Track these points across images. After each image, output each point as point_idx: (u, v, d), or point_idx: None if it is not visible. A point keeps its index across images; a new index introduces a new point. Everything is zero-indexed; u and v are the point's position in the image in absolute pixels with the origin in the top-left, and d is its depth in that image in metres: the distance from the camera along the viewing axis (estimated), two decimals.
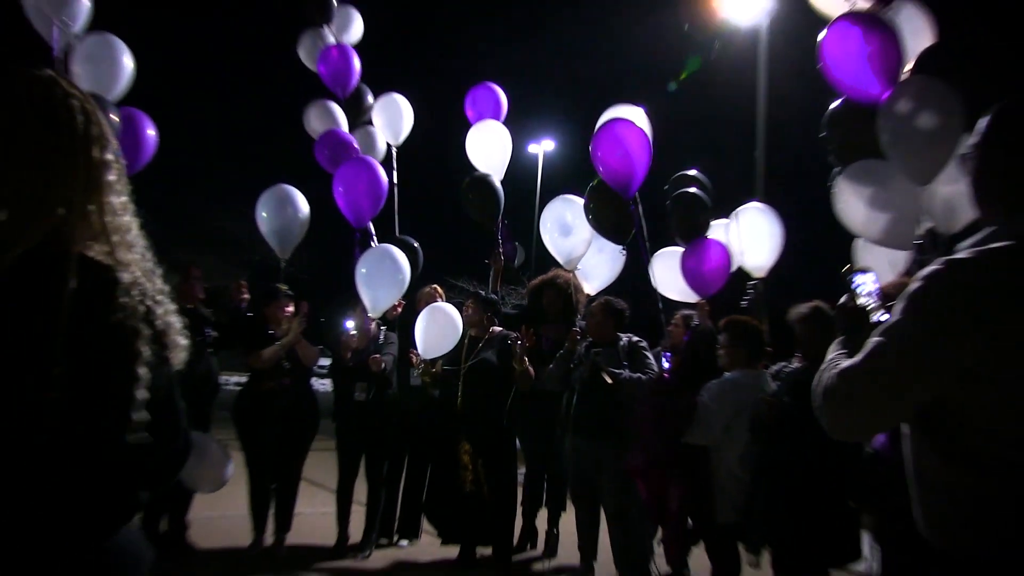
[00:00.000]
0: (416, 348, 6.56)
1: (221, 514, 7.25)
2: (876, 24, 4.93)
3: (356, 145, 7.78)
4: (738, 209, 6.76)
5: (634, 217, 6.53)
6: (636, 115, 6.76)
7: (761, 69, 13.20)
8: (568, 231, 6.74)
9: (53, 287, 1.58)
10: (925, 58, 4.95)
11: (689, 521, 5.54)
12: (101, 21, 5.82)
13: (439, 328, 6.56)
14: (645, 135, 6.37)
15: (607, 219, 6.69)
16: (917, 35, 5.14)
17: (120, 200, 1.79)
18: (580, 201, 6.81)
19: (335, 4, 8.31)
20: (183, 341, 1.82)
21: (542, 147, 28.78)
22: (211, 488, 5.65)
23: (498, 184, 7.89)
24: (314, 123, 8.05)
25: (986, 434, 1.86)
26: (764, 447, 5.13)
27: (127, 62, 5.72)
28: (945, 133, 4.57)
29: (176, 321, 1.80)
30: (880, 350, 1.93)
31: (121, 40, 5.75)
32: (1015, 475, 1.83)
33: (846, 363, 1.99)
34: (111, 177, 1.77)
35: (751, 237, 6.51)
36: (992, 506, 1.86)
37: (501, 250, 7.90)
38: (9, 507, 1.56)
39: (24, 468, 1.56)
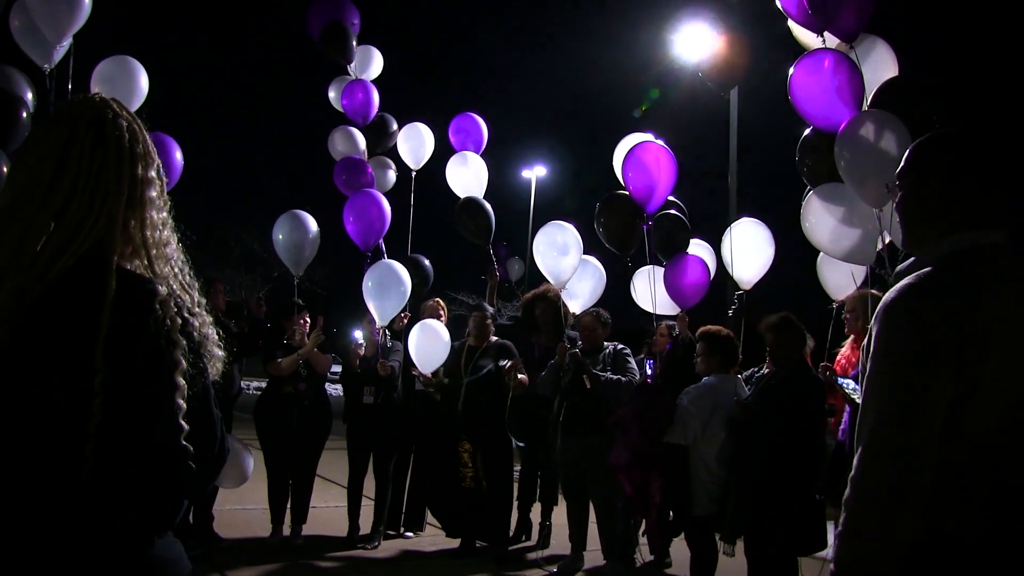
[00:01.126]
0: (415, 365, 6.71)
1: (243, 507, 7.40)
2: (841, 61, 5.02)
3: (370, 171, 7.93)
4: (734, 222, 6.86)
5: (646, 233, 6.63)
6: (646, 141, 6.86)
7: (734, 102, 13.26)
8: (561, 253, 6.79)
9: (94, 298, 1.56)
10: (882, 92, 5.06)
11: (669, 513, 5.65)
12: (137, 50, 5.92)
13: (429, 343, 6.75)
14: (673, 160, 6.50)
15: (615, 232, 6.73)
16: (880, 69, 5.22)
17: (160, 216, 1.76)
18: (570, 227, 6.87)
19: (354, 45, 8.46)
20: (220, 352, 1.78)
21: (535, 172, 29.04)
22: (234, 484, 5.79)
23: (487, 206, 8.03)
24: (338, 147, 8.22)
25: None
26: (738, 445, 5.27)
27: (143, 84, 5.81)
28: (894, 161, 4.69)
29: (212, 333, 1.76)
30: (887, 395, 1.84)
31: (139, 62, 5.83)
32: (955, 470, 1.82)
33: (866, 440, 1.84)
34: (152, 193, 1.75)
35: (744, 250, 6.59)
36: (937, 499, 1.83)
37: (497, 267, 8.06)
38: (52, 516, 1.53)
39: (67, 476, 1.52)
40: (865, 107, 5.04)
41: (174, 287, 1.71)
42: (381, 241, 7.61)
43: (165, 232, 1.77)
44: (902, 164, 2.09)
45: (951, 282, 1.85)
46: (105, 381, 1.52)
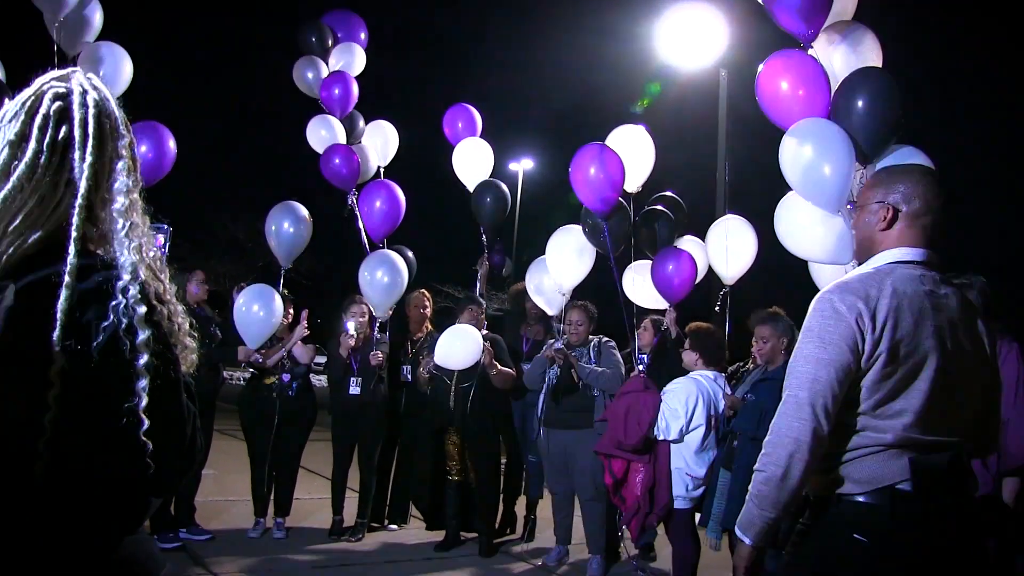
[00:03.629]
0: (433, 355, 6.40)
1: (225, 499, 7.25)
2: (805, 62, 4.86)
3: (357, 159, 7.78)
4: (720, 219, 6.77)
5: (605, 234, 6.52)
6: (638, 133, 6.78)
7: (722, 99, 13.21)
8: (572, 262, 6.64)
9: (51, 285, 1.44)
10: (844, 86, 4.91)
11: (650, 505, 5.57)
12: (122, 37, 5.76)
13: (462, 350, 6.37)
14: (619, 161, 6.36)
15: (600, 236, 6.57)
16: (864, 61, 4.98)
17: (129, 198, 1.62)
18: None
19: (331, 40, 8.30)
20: (191, 343, 1.66)
21: (521, 165, 28.87)
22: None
23: (505, 188, 7.99)
24: (315, 137, 8.05)
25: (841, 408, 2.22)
26: (723, 440, 5.21)
27: (127, 69, 5.65)
28: (838, 168, 4.56)
29: (184, 323, 1.64)
30: (796, 383, 2.27)
31: (124, 48, 5.66)
32: (850, 436, 2.23)
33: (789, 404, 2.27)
34: (120, 174, 1.62)
35: (727, 247, 6.50)
36: (832, 458, 2.25)
37: (488, 258, 7.94)
38: (9, 516, 1.42)
39: (18, 475, 1.41)
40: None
41: (142, 273, 1.56)
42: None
43: (134, 216, 1.62)
44: (862, 188, 2.53)
45: (870, 280, 2.27)
46: (62, 372, 1.40)
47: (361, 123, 8.33)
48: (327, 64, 8.32)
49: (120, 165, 1.62)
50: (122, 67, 5.60)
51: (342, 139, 7.90)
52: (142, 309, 1.50)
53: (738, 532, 2.36)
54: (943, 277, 2.37)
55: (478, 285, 7.90)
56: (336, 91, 7.97)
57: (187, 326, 1.65)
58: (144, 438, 1.47)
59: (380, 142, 8.35)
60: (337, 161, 7.63)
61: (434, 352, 6.27)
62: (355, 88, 8.13)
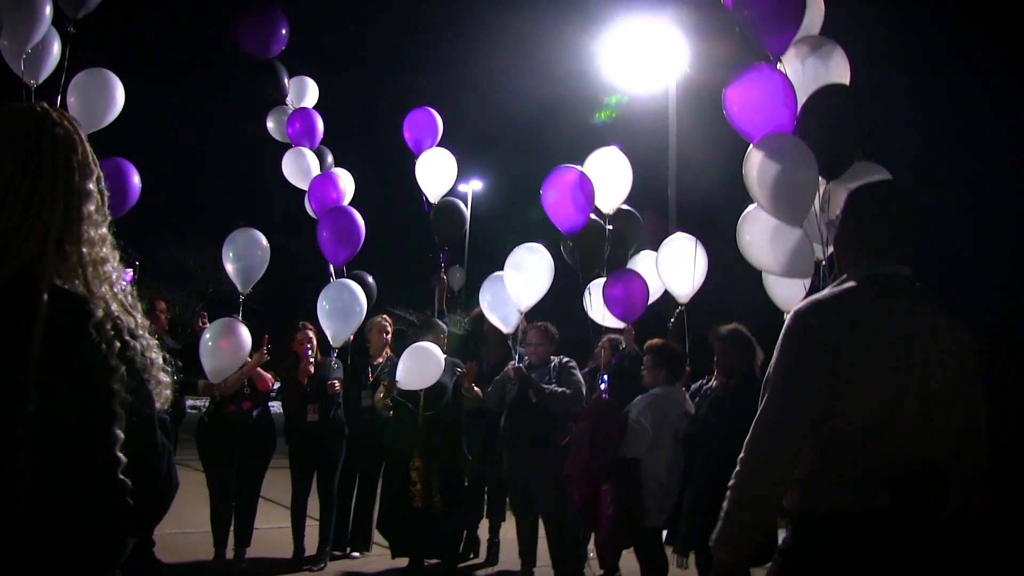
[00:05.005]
0: (396, 376, 6.37)
1: (183, 531, 7.07)
2: (773, 76, 4.86)
3: (343, 188, 7.73)
4: (667, 239, 6.84)
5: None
6: (612, 154, 6.83)
7: (672, 114, 13.38)
8: (529, 279, 6.65)
9: (25, 322, 1.41)
10: (811, 102, 4.94)
11: (620, 525, 5.57)
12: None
13: (425, 369, 6.40)
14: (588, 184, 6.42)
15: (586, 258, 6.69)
16: (831, 75, 5.01)
17: (99, 232, 1.61)
18: (544, 251, 6.66)
19: (286, 80, 8.26)
20: (166, 379, 1.63)
21: (471, 187, 29.01)
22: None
23: (462, 206, 8.01)
24: (290, 169, 8.00)
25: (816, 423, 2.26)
26: (688, 458, 5.23)
27: (119, 96, 5.62)
28: (802, 183, 4.62)
29: (158, 358, 1.61)
30: (768, 404, 2.34)
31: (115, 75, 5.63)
32: (827, 453, 2.25)
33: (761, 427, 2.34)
34: (90, 207, 1.60)
35: (679, 266, 6.54)
36: (810, 474, 2.27)
37: (444, 274, 7.93)
38: None
39: None
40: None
41: (114, 308, 1.54)
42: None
43: (103, 249, 1.61)
44: (843, 203, 2.57)
45: (844, 296, 2.33)
46: (38, 412, 1.37)
47: (329, 157, 8.30)
48: (286, 101, 8.29)
49: (88, 198, 1.60)
50: (114, 94, 5.58)
51: (316, 170, 7.88)
52: (115, 345, 1.48)
53: (714, 549, 2.37)
54: (921, 290, 2.40)
55: (435, 302, 7.87)
56: (300, 126, 7.95)
57: (160, 360, 1.62)
58: (122, 476, 1.45)
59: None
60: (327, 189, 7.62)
61: (396, 375, 6.24)
62: (319, 123, 8.11)
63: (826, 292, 2.43)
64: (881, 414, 2.22)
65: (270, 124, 8.27)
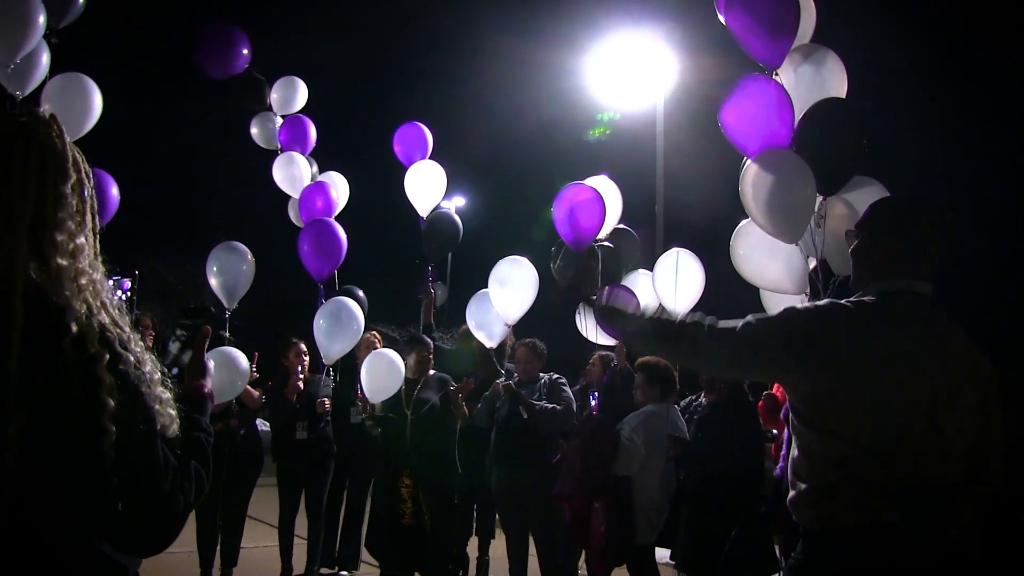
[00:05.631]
0: (363, 390, 6.38)
1: (168, 551, 6.92)
2: (769, 89, 4.85)
3: (334, 197, 7.68)
4: (666, 253, 6.84)
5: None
6: (602, 182, 6.88)
7: (659, 131, 13.41)
8: (514, 291, 6.62)
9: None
10: (810, 115, 4.85)
11: (612, 543, 5.52)
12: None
13: (383, 373, 6.40)
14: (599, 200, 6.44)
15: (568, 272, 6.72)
16: (828, 83, 5.01)
17: (76, 241, 1.52)
18: (528, 264, 6.69)
19: (267, 91, 8.21)
20: (167, 395, 1.55)
21: (453, 203, 29.01)
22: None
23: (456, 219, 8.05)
24: (281, 174, 7.94)
25: (825, 439, 2.27)
26: (681, 477, 5.20)
27: (97, 102, 5.54)
28: (799, 200, 4.62)
29: (155, 372, 1.53)
30: (740, 329, 2.38)
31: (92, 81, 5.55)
32: (838, 470, 2.25)
33: (713, 326, 2.41)
34: (62, 215, 1.51)
35: (673, 281, 6.53)
36: (821, 491, 2.27)
37: (431, 286, 7.89)
38: None
39: None
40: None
41: (104, 319, 1.48)
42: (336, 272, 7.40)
43: (83, 260, 1.52)
44: (861, 217, 2.58)
45: (858, 309, 2.33)
46: (19, 432, 1.31)
47: (315, 167, 8.25)
48: (272, 108, 8.24)
49: (63, 204, 1.52)
50: (92, 100, 5.49)
51: (307, 177, 7.82)
52: (105, 356, 1.41)
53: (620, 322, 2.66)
54: (936, 308, 2.39)
55: (422, 316, 7.82)
56: (292, 133, 7.94)
57: (158, 376, 1.54)
58: (114, 497, 1.40)
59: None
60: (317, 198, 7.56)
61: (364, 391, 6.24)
62: (312, 130, 8.09)
63: (841, 302, 2.40)
64: (891, 429, 2.23)
65: (254, 130, 8.21)
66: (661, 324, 2.52)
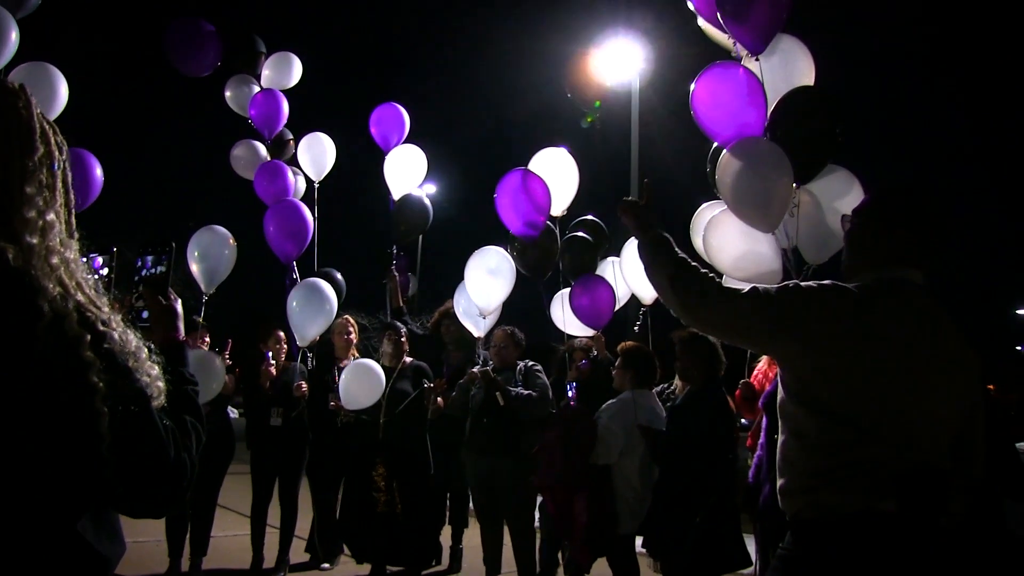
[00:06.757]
0: (339, 396, 6.26)
1: (135, 540, 6.84)
2: (743, 75, 4.77)
3: (291, 178, 7.56)
4: (629, 240, 6.77)
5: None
6: (560, 156, 6.65)
7: (634, 120, 13.39)
8: (493, 281, 6.53)
9: None
10: (783, 104, 4.83)
11: (595, 532, 5.49)
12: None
13: (366, 385, 6.28)
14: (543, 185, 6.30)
15: (529, 259, 6.50)
16: (795, 74, 4.97)
17: (46, 218, 1.44)
18: (503, 252, 6.55)
19: (263, 54, 8.09)
20: (156, 370, 1.49)
21: (424, 191, 28.88)
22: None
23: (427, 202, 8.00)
24: (240, 161, 7.80)
25: (818, 418, 2.25)
26: (659, 467, 5.17)
27: (63, 92, 5.40)
28: (775, 188, 4.56)
29: (141, 351, 1.47)
30: (749, 293, 2.36)
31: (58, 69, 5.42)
32: (831, 451, 2.23)
33: (723, 284, 2.45)
34: (32, 189, 1.43)
35: (640, 267, 6.43)
36: (815, 477, 2.24)
37: (395, 269, 7.80)
38: None
39: None
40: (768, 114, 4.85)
41: (80, 299, 1.40)
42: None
43: (53, 238, 1.44)
44: (861, 203, 2.60)
45: (853, 293, 2.30)
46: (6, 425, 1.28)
47: (288, 136, 8.13)
48: (259, 80, 8.10)
49: (28, 179, 1.44)
50: (58, 89, 5.35)
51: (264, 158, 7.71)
52: (86, 337, 1.35)
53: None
54: (929, 297, 2.38)
55: (389, 301, 7.74)
56: (265, 109, 7.79)
57: (145, 353, 1.48)
58: (117, 476, 1.38)
59: (316, 155, 8.10)
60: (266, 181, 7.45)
61: (340, 397, 6.15)
62: (285, 106, 7.93)
63: (843, 284, 2.38)
64: (886, 411, 2.21)
65: (228, 93, 8.05)
66: (683, 259, 2.50)
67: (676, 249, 2.57)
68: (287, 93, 8.09)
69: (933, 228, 2.44)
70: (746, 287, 2.39)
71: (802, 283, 2.42)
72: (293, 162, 8.14)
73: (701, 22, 5.35)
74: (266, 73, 8.13)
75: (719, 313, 2.41)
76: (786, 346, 2.35)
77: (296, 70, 8.22)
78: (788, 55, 4.92)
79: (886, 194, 2.60)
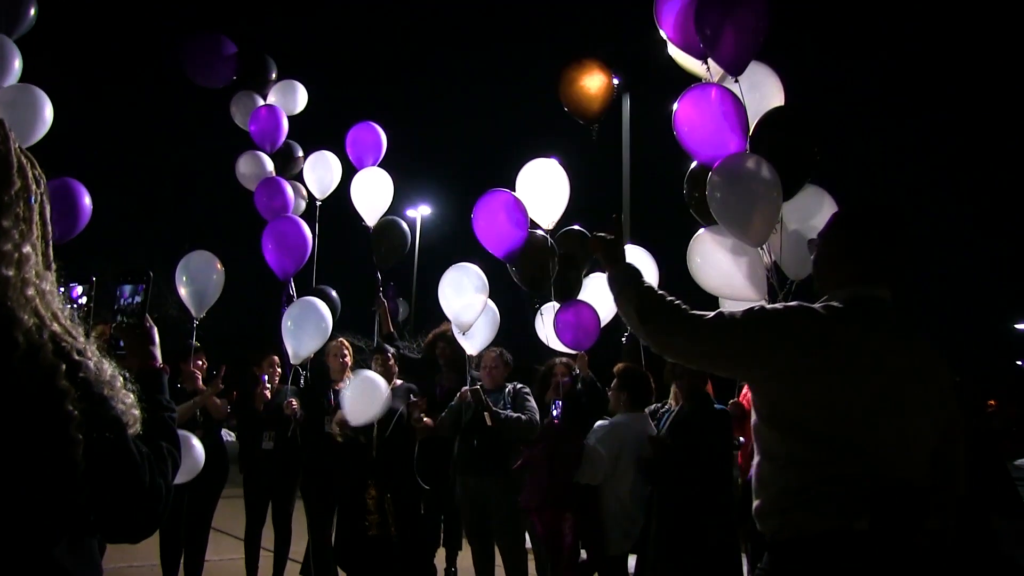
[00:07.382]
0: (342, 408, 6.21)
1: (130, 564, 6.85)
2: (723, 94, 4.88)
3: (290, 194, 7.60)
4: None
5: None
6: (547, 166, 6.60)
7: (625, 122, 13.40)
8: (466, 297, 6.55)
9: None
10: (763, 124, 4.95)
11: (582, 553, 5.51)
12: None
13: (369, 398, 6.20)
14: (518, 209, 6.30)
15: (528, 275, 6.53)
16: (766, 97, 5.10)
17: (22, 251, 1.45)
18: (476, 268, 6.56)
19: (272, 74, 8.15)
20: (130, 399, 1.51)
21: (419, 212, 28.92)
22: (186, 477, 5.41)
23: (405, 226, 7.94)
24: (244, 171, 7.86)
25: (789, 438, 2.28)
26: (652, 483, 5.19)
27: (47, 114, 5.40)
28: (765, 202, 4.63)
29: (116, 379, 1.50)
30: (713, 319, 2.39)
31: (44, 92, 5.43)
32: (803, 471, 2.24)
33: (689, 311, 2.46)
34: (8, 223, 1.44)
35: None
36: (787, 497, 2.26)
37: (384, 296, 7.81)
38: None
39: None
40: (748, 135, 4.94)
41: (56, 329, 1.43)
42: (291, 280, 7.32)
43: (29, 271, 1.45)
44: (824, 226, 2.60)
45: (825, 313, 2.34)
46: None
47: (299, 152, 8.21)
48: (264, 99, 8.16)
49: (7, 214, 1.46)
50: (42, 112, 5.35)
51: (270, 171, 7.75)
52: (61, 367, 1.37)
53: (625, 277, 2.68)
54: (900, 313, 2.41)
55: (378, 326, 7.75)
56: (266, 123, 7.85)
57: (120, 382, 1.51)
58: (92, 501, 1.40)
59: (321, 174, 8.13)
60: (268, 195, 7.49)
61: (344, 410, 6.13)
62: (285, 122, 7.99)
63: (809, 304, 2.42)
64: (856, 429, 2.22)
65: (233, 107, 8.10)
66: (649, 289, 2.56)
67: (643, 280, 2.63)
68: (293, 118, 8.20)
69: (898, 244, 2.46)
70: (711, 313, 2.43)
71: (768, 306, 2.46)
72: (300, 178, 8.20)
73: (672, 49, 5.44)
74: (272, 98, 8.22)
75: (685, 340, 2.44)
76: (751, 371, 2.40)
77: (301, 97, 8.29)
78: (756, 79, 5.04)
79: (849, 214, 2.62)
